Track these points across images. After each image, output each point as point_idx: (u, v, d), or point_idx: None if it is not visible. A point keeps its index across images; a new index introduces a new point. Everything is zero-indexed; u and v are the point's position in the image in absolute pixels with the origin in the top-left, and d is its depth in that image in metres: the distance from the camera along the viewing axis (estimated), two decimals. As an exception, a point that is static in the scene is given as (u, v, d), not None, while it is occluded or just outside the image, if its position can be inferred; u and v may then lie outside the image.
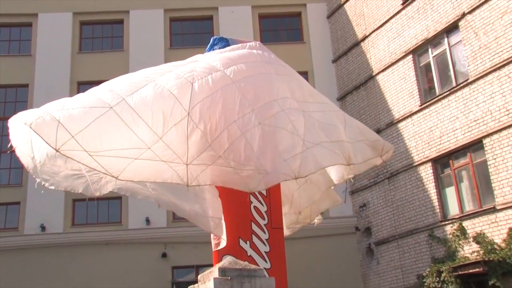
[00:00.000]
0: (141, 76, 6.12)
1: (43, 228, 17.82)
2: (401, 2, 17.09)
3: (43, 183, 5.86)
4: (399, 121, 16.55)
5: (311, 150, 6.29)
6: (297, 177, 6.13)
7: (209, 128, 5.89)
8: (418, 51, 16.44)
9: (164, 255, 17.65)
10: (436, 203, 15.11)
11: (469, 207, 14.38)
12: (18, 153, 5.77)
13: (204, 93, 5.94)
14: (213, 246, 6.93)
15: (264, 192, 7.15)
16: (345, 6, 19.88)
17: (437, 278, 13.58)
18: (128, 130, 5.44)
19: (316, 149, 6.36)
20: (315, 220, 8.57)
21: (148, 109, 5.62)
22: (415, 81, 16.22)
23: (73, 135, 5.05)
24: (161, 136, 5.56)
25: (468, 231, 13.94)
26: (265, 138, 6.10)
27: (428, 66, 16.20)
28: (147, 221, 17.99)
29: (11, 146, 5.60)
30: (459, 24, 14.93)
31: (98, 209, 18.65)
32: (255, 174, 5.98)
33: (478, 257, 13.17)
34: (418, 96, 16.02)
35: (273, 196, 7.25)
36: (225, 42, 7.39)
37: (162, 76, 6.02)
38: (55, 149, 4.97)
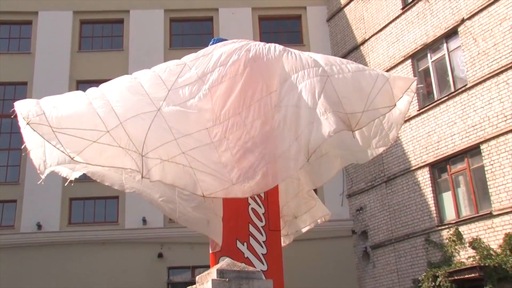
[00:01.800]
0: (129, 76, 6.34)
1: (39, 226, 17.77)
2: (401, 7, 17.15)
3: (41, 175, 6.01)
4: (397, 125, 16.56)
5: (268, 165, 6.06)
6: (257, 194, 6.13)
7: (177, 127, 5.87)
8: (417, 56, 16.49)
9: (160, 255, 17.64)
10: (432, 207, 15.15)
11: (465, 212, 14.42)
12: (32, 155, 5.95)
13: (178, 100, 6.05)
14: (210, 247, 6.94)
15: (262, 195, 7.17)
16: (345, 9, 19.94)
17: (433, 283, 13.61)
18: (92, 110, 5.57)
19: (274, 162, 6.08)
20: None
21: (117, 94, 5.82)
22: (414, 86, 16.24)
23: (44, 111, 5.38)
24: (122, 121, 5.58)
25: (464, 236, 13.98)
26: (232, 154, 6.08)
27: (427, 71, 16.26)
28: (144, 221, 17.97)
29: (26, 148, 5.83)
30: (458, 29, 14.99)
31: (95, 208, 18.65)
32: (218, 179, 5.86)
33: (474, 262, 13.20)
34: (416, 101, 16.05)
35: (271, 198, 7.27)
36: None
37: (144, 75, 6.24)
38: (26, 122, 5.30)
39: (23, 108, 5.49)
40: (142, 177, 5.58)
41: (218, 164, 5.94)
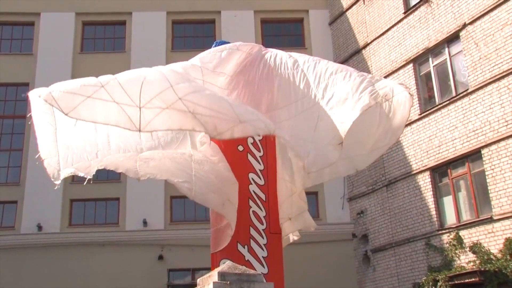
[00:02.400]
0: None
1: (39, 227, 17.78)
2: (403, 11, 17.17)
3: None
4: (398, 129, 16.57)
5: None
6: (271, 133, 5.85)
7: (174, 77, 5.84)
8: (418, 60, 16.51)
9: (160, 258, 17.64)
10: (433, 212, 15.15)
11: (466, 216, 14.42)
12: (46, 164, 6.00)
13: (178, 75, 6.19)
14: (211, 248, 6.94)
15: (263, 197, 7.18)
16: (347, 13, 19.97)
17: (433, 287, 13.61)
18: (92, 77, 5.65)
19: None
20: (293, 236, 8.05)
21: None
22: (415, 90, 16.27)
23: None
24: (117, 76, 5.58)
25: (464, 241, 13.98)
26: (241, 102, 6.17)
27: (428, 75, 16.28)
28: (144, 223, 17.98)
29: (40, 157, 5.89)
30: (460, 34, 15.02)
31: (96, 210, 18.66)
32: (221, 120, 5.62)
33: (474, 266, 13.21)
34: (417, 105, 16.08)
35: (272, 201, 7.27)
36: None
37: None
38: (27, 94, 5.59)
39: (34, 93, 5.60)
40: (139, 130, 5.50)
41: (222, 103, 5.78)
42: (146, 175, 6.31)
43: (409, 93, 6.68)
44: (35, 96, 5.57)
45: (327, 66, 6.72)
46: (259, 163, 7.24)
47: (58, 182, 6.07)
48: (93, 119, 5.54)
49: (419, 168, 15.75)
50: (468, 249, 13.80)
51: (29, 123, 6.03)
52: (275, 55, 7.08)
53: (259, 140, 7.34)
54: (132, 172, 6.27)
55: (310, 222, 7.78)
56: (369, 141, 6.96)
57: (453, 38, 15.33)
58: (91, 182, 6.19)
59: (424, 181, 15.57)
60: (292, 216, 7.58)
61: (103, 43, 21.00)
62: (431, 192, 15.29)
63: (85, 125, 6.23)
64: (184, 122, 5.65)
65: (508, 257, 12.60)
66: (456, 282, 13.17)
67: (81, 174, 6.09)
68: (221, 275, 4.38)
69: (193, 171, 6.40)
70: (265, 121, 5.86)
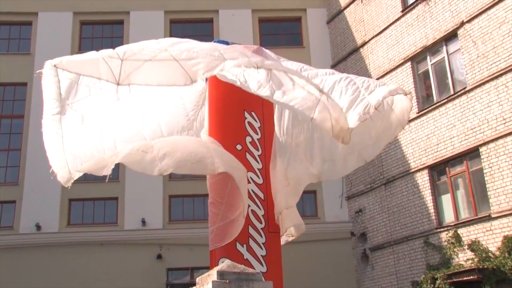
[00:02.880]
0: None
1: (38, 227, 17.76)
2: (401, 10, 17.19)
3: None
4: (397, 127, 16.57)
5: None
6: (264, 68, 5.43)
7: (164, 38, 5.97)
8: (416, 59, 16.53)
9: (159, 257, 17.64)
10: (431, 210, 15.18)
11: (464, 214, 14.45)
12: (59, 178, 6.11)
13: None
14: (210, 245, 6.94)
15: (262, 196, 7.18)
16: (345, 12, 19.98)
17: (432, 285, 13.65)
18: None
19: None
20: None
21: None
22: (413, 88, 16.31)
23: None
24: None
25: (463, 239, 14.01)
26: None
27: (426, 74, 16.30)
28: (143, 222, 17.98)
29: (53, 172, 6.05)
30: (458, 32, 15.04)
31: (94, 209, 18.65)
32: (207, 60, 5.45)
33: (472, 264, 13.23)
34: (416, 103, 16.08)
35: (270, 200, 7.27)
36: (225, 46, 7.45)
37: None
38: (37, 72, 5.81)
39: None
40: (118, 84, 5.47)
41: (210, 46, 5.70)
42: (167, 170, 6.14)
43: (405, 94, 6.78)
44: (46, 73, 5.72)
45: (322, 85, 6.75)
46: (258, 162, 7.24)
47: (69, 185, 6.22)
48: (77, 71, 5.63)
49: (417, 167, 15.77)
50: (466, 247, 13.83)
51: (41, 130, 6.11)
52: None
53: (258, 139, 7.34)
54: (150, 170, 6.08)
55: (299, 219, 7.68)
56: (374, 132, 7.03)
57: (451, 36, 15.35)
58: (107, 180, 6.28)
59: (422, 180, 15.59)
60: (281, 210, 7.54)
61: (101, 42, 20.93)
62: (430, 191, 15.31)
63: (91, 131, 6.26)
64: (164, 77, 5.59)
65: (507, 254, 12.63)
66: (454, 280, 13.21)
67: (100, 174, 6.11)
68: (220, 274, 4.39)
69: (210, 147, 6.52)
70: (259, 60, 5.50)
